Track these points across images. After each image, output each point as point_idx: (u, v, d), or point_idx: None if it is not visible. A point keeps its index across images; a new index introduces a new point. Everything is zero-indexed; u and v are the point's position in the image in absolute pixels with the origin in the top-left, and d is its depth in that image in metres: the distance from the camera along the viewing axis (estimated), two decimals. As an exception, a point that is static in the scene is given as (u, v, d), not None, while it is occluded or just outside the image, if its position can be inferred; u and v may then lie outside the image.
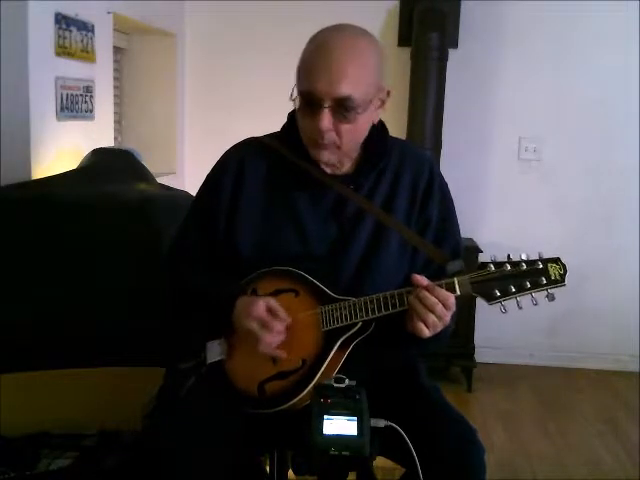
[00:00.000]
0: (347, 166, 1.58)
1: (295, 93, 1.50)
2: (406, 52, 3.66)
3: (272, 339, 1.45)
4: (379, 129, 1.58)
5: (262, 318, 1.45)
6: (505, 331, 3.88)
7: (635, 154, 3.82)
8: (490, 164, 3.93)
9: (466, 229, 3.70)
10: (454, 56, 3.67)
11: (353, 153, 1.56)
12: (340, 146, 1.49)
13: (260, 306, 1.45)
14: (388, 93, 1.53)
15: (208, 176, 1.65)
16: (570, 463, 2.90)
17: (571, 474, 2.81)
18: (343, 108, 1.44)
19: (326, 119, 1.44)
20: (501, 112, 3.87)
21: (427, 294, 1.39)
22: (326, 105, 1.43)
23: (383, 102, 1.53)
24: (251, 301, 1.48)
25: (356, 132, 1.50)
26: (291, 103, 1.63)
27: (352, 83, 1.43)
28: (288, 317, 1.47)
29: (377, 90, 1.49)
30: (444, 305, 1.40)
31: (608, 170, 3.86)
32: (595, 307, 3.93)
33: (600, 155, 3.86)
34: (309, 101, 1.45)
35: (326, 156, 1.51)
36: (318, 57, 1.45)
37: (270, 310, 1.46)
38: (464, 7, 3.74)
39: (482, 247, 3.59)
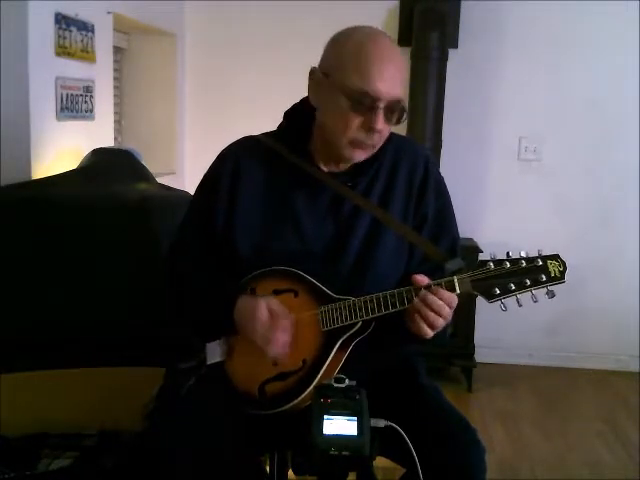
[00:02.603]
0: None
1: (330, 86, 1.48)
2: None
3: (281, 337, 1.45)
4: None
5: (266, 320, 1.44)
6: (505, 331, 3.88)
7: (635, 154, 3.82)
8: (490, 164, 3.93)
9: (466, 229, 3.73)
10: (454, 56, 3.67)
11: None
12: (375, 147, 1.51)
13: (262, 308, 1.45)
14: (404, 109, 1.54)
15: (205, 175, 1.65)
16: (570, 463, 2.90)
17: (571, 474, 2.80)
18: (393, 110, 1.46)
19: (382, 120, 1.45)
20: (501, 112, 3.87)
21: (433, 297, 1.39)
22: (382, 106, 1.44)
23: (401, 117, 1.52)
24: (252, 303, 1.47)
25: (387, 135, 1.52)
26: (291, 102, 1.63)
27: (403, 87, 1.48)
28: (290, 314, 1.47)
29: None
30: (449, 306, 1.40)
31: (608, 170, 3.86)
32: (595, 307, 3.93)
33: (600, 155, 3.86)
34: (363, 100, 1.44)
35: (362, 156, 1.52)
36: (377, 56, 1.45)
37: (271, 311, 1.46)
38: (464, 7, 3.74)
39: (482, 247, 3.59)
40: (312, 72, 1.54)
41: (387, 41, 1.50)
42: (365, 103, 1.44)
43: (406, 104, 1.50)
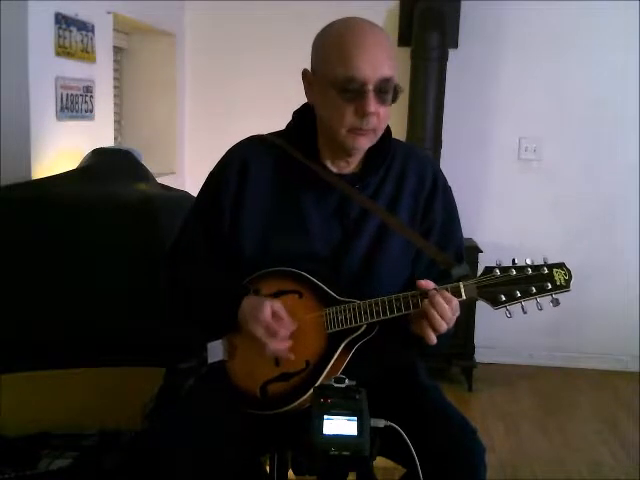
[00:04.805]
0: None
1: (317, 84, 1.50)
2: (406, 52, 3.66)
3: (278, 345, 1.45)
4: None
5: (268, 324, 1.44)
6: (505, 331, 3.87)
7: (635, 154, 3.82)
8: (490, 164, 3.93)
9: (466, 229, 3.66)
10: (454, 56, 3.67)
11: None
12: (377, 131, 1.50)
13: (266, 310, 1.44)
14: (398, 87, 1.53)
15: (211, 174, 1.64)
16: (570, 463, 2.89)
17: (571, 474, 2.80)
18: (384, 90, 1.46)
19: (373, 102, 1.44)
20: (501, 112, 3.87)
21: (440, 299, 1.39)
22: (370, 88, 1.44)
23: (397, 94, 1.52)
24: (257, 303, 1.46)
25: (387, 117, 1.51)
26: (291, 103, 1.63)
27: (391, 64, 1.47)
28: (293, 323, 1.47)
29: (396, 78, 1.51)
30: (450, 308, 1.40)
31: (608, 170, 3.86)
32: (595, 307, 3.92)
33: (600, 155, 3.86)
34: (350, 87, 1.44)
35: (364, 143, 1.50)
36: (356, 42, 1.45)
37: (275, 315, 1.45)
38: (464, 7, 3.74)
39: (482, 247, 3.59)
40: (303, 74, 1.56)
41: (366, 25, 1.50)
42: (352, 89, 1.44)
43: (395, 81, 1.48)
